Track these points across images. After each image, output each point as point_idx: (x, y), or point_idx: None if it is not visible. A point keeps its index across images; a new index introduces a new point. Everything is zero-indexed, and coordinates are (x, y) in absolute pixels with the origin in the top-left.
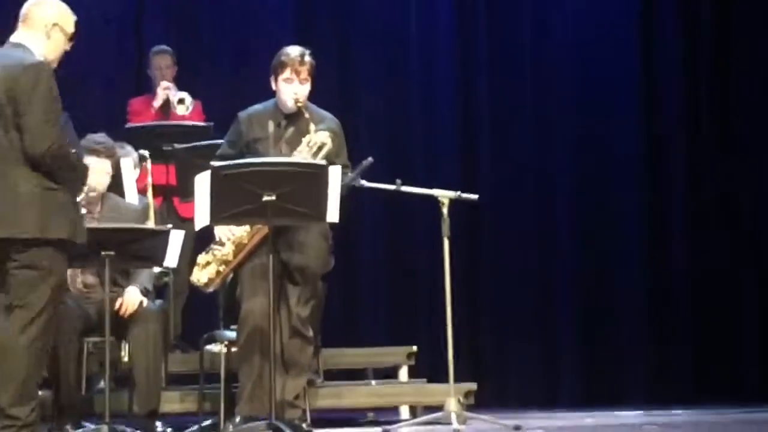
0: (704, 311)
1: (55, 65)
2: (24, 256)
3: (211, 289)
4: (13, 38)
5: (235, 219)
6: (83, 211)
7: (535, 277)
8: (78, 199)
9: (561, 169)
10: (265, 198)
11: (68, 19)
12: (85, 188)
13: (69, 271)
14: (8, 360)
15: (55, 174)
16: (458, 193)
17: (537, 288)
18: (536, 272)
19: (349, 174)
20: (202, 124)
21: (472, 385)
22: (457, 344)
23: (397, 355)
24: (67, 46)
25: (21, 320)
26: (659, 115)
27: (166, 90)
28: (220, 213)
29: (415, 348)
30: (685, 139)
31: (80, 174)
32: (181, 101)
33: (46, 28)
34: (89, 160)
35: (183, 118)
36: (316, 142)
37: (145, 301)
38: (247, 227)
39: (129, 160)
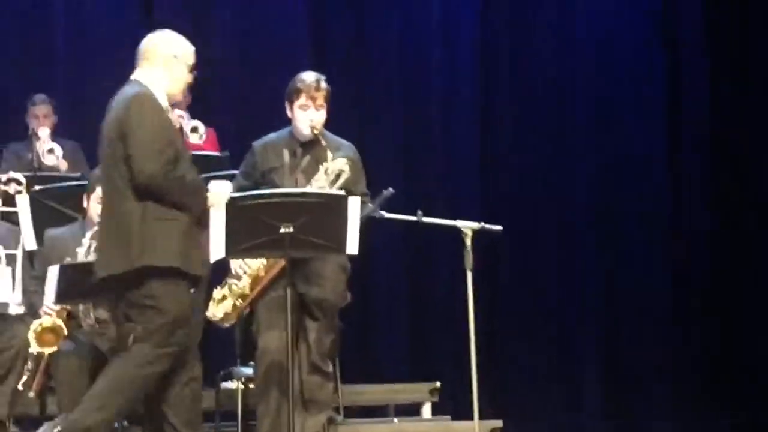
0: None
1: (179, 98)
2: (140, 288)
3: (227, 324)
4: (133, 76)
5: (252, 252)
6: (95, 243)
7: (559, 312)
8: (91, 232)
9: (582, 199)
10: (283, 230)
11: (188, 51)
12: (98, 219)
13: (81, 307)
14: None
15: (166, 201)
16: (481, 224)
17: (561, 322)
18: (558, 305)
19: (369, 205)
20: (218, 153)
21: (498, 423)
22: (482, 380)
23: (420, 391)
24: (190, 78)
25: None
26: (684, 142)
27: (179, 118)
28: (236, 245)
29: (438, 384)
30: (709, 172)
31: (196, 196)
32: (194, 130)
33: (166, 62)
34: (100, 190)
35: (197, 147)
36: (334, 170)
37: None
38: (263, 259)
39: None
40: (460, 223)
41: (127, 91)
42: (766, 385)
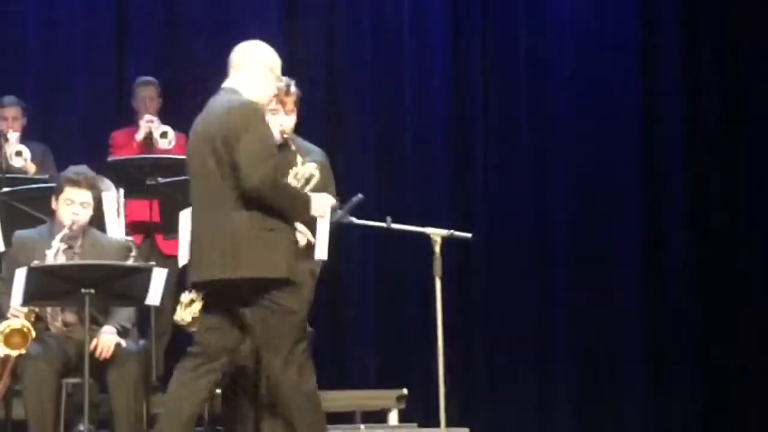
0: (708, 360)
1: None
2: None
3: (195, 329)
4: (226, 84)
5: None
6: (63, 246)
7: (531, 318)
8: (61, 234)
9: (558, 204)
10: None
11: (277, 61)
12: (68, 222)
13: (48, 310)
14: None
15: (273, 209)
16: (451, 231)
17: (532, 329)
18: (531, 312)
19: (339, 211)
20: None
21: (465, 431)
22: (449, 387)
23: (387, 398)
24: (276, 89)
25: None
26: (660, 148)
27: (149, 123)
28: None
29: (405, 391)
30: (688, 167)
31: (301, 204)
32: (163, 135)
33: (260, 72)
34: (69, 192)
35: (166, 152)
36: (304, 174)
37: (123, 342)
38: None
39: (110, 193)
40: (429, 230)
41: (228, 99)
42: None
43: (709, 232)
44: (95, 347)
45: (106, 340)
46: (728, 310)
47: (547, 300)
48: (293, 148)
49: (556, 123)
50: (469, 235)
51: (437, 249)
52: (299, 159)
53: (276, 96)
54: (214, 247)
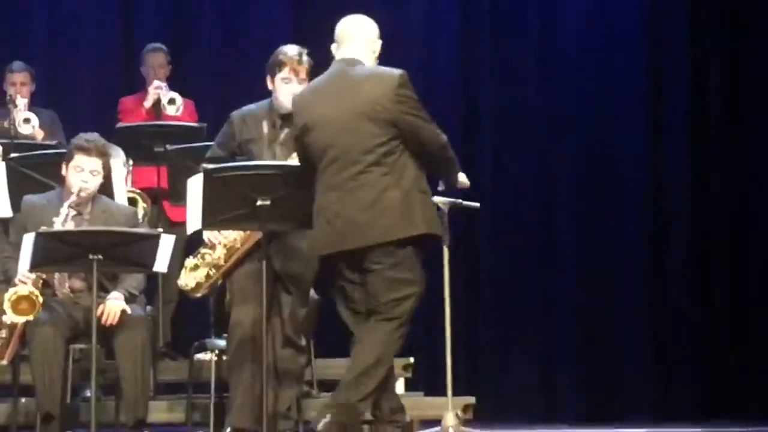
0: (708, 328)
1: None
2: (388, 260)
3: (199, 295)
4: (345, 54)
5: (228, 224)
6: (72, 212)
7: (537, 288)
8: (69, 201)
9: (564, 178)
10: (259, 202)
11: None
12: (75, 189)
13: (56, 276)
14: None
15: (440, 170)
16: (459, 200)
17: (538, 299)
18: (538, 283)
19: None
20: (195, 125)
21: (471, 399)
22: (456, 356)
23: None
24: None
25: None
26: (663, 148)
27: (157, 89)
28: (213, 217)
29: (411, 360)
30: (692, 157)
31: (456, 174)
32: (171, 101)
33: (371, 43)
34: (79, 159)
35: (174, 118)
36: None
37: (128, 309)
38: (240, 231)
39: (118, 160)
40: (436, 199)
41: (369, 68)
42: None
43: (710, 232)
44: (101, 313)
45: (113, 306)
46: (729, 310)
47: (553, 270)
48: None
49: (561, 123)
50: (477, 204)
51: (445, 218)
52: None
53: (289, 65)
54: (369, 215)
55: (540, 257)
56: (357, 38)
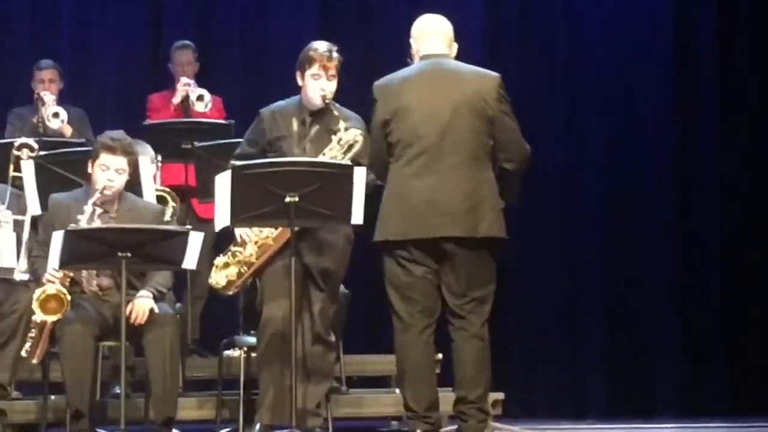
0: (738, 325)
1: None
2: (485, 257)
3: (230, 292)
4: (430, 50)
5: (257, 220)
6: (98, 210)
7: (564, 281)
8: (93, 198)
9: (591, 180)
10: (288, 199)
11: None
12: (100, 187)
13: (84, 273)
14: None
15: (511, 181)
16: None
17: (565, 293)
18: (565, 275)
19: (371, 175)
20: (222, 122)
21: (499, 395)
22: None
23: None
24: None
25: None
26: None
27: (185, 86)
28: (241, 214)
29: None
30: (721, 156)
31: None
32: (200, 98)
33: (451, 41)
34: (105, 158)
35: (202, 115)
36: (348, 140)
37: (156, 308)
38: (272, 228)
39: (146, 158)
40: None
41: (469, 67)
42: None
43: (740, 233)
44: (130, 312)
45: (141, 304)
46: (759, 306)
47: (580, 262)
48: (336, 113)
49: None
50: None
51: None
52: (342, 124)
53: (318, 61)
54: (485, 203)
55: (567, 252)
56: (439, 35)
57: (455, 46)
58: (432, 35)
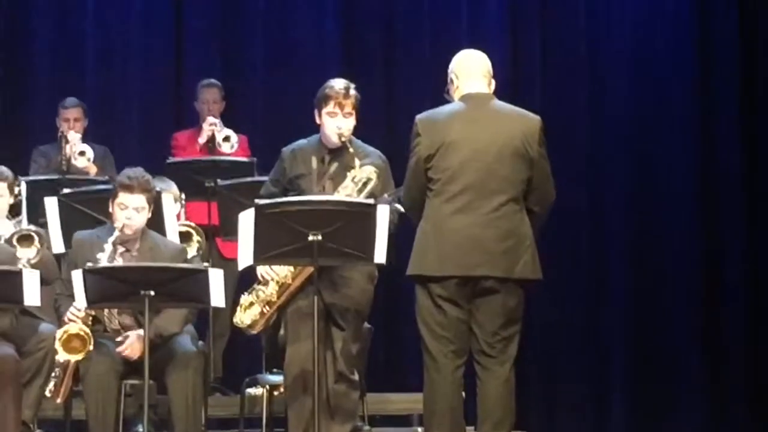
0: (762, 356)
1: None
2: (517, 299)
3: (255, 332)
4: (472, 89)
5: (280, 259)
6: (121, 249)
7: (586, 309)
8: (112, 237)
9: (613, 192)
10: (311, 237)
11: None
12: (119, 225)
13: (105, 312)
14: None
15: (537, 221)
16: None
17: (586, 329)
18: (588, 303)
19: (385, 196)
20: (245, 159)
21: None
22: None
23: None
24: None
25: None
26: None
27: (211, 126)
28: (264, 252)
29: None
30: (745, 169)
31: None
32: (226, 139)
33: (490, 77)
34: (123, 197)
35: (229, 156)
36: (362, 177)
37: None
38: (291, 266)
39: (169, 195)
40: None
41: (511, 107)
42: None
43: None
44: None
45: (133, 349)
46: None
47: (600, 299)
48: (351, 150)
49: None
50: None
51: None
52: (357, 162)
53: (334, 99)
54: (523, 244)
55: (589, 276)
56: (482, 73)
57: (493, 83)
58: (474, 73)
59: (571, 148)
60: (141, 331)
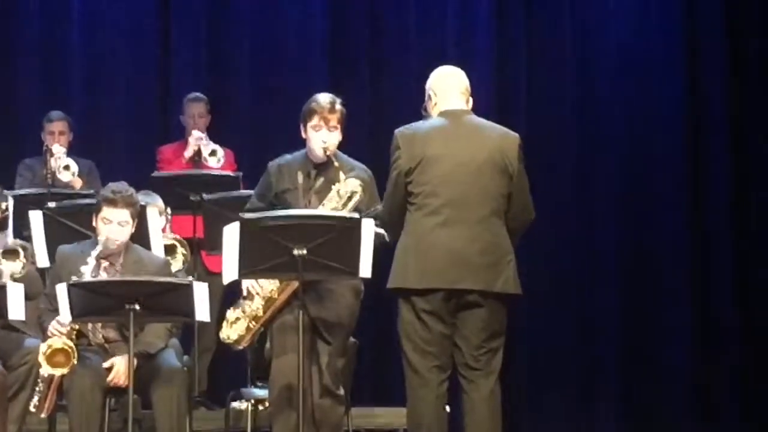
0: (756, 370)
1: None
2: (501, 314)
3: (241, 347)
4: (449, 106)
5: (265, 273)
6: (105, 263)
7: (576, 328)
8: (96, 251)
9: (603, 206)
10: (296, 252)
11: None
12: (103, 239)
13: (89, 326)
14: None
15: (513, 236)
16: None
17: (575, 347)
18: (578, 321)
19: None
20: (230, 174)
21: None
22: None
23: None
24: None
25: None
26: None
27: (198, 140)
28: (249, 267)
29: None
30: (733, 166)
31: None
32: (212, 153)
33: (468, 94)
34: (106, 211)
35: (215, 170)
36: (347, 191)
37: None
38: (276, 281)
39: (154, 209)
40: None
41: (486, 121)
42: None
43: (751, 233)
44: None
45: (119, 374)
46: None
47: (592, 307)
48: (336, 164)
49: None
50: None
51: None
52: (342, 175)
53: (319, 113)
54: (502, 258)
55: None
56: (460, 90)
57: (471, 101)
58: (452, 90)
59: (560, 155)
60: (125, 356)
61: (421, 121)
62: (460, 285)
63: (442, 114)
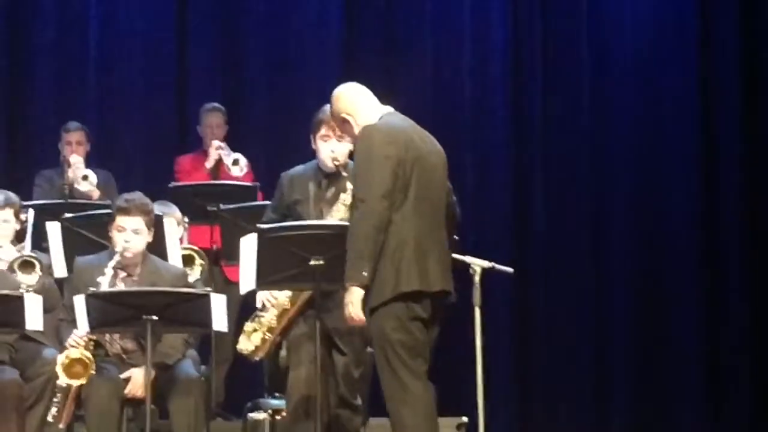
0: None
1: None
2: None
3: (258, 358)
4: (386, 107)
5: (282, 284)
6: (122, 274)
7: (590, 344)
8: (112, 262)
9: (617, 224)
10: (313, 262)
11: None
12: (119, 249)
13: (107, 337)
14: None
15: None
16: (492, 264)
17: (592, 356)
18: (592, 338)
19: None
20: (247, 184)
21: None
22: (509, 414)
23: (447, 426)
24: None
25: None
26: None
27: (218, 150)
28: (266, 277)
29: (465, 419)
30: (745, 187)
31: None
32: (235, 162)
33: None
34: (120, 220)
35: (236, 179)
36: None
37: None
38: (288, 292)
39: (172, 219)
40: (469, 260)
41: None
42: None
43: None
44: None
45: (136, 385)
46: None
47: (606, 326)
48: (344, 174)
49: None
50: (511, 270)
51: (477, 279)
52: (349, 186)
53: (327, 123)
54: (447, 262)
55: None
56: (370, 93)
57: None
58: (366, 96)
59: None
60: (143, 368)
61: (382, 121)
62: (448, 286)
63: (387, 116)
